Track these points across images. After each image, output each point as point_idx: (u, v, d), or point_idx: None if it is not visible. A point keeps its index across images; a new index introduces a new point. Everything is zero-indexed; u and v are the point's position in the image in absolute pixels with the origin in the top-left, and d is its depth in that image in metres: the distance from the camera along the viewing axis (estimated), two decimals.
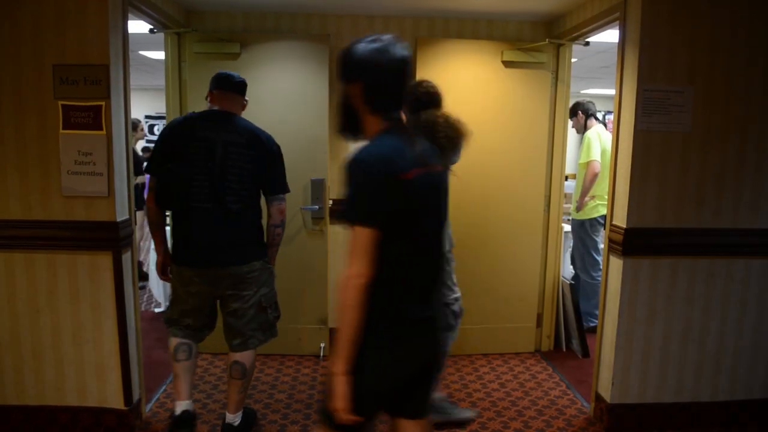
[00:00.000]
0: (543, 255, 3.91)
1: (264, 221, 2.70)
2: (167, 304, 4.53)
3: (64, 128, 2.57)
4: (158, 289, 4.69)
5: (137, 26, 3.24)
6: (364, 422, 1.62)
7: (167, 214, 2.74)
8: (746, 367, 2.97)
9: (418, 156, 1.59)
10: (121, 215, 2.68)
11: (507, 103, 3.68)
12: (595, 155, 4.18)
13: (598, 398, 3.02)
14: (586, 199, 4.24)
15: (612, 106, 3.09)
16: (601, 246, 4.12)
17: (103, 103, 2.56)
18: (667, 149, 2.74)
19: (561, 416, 3.09)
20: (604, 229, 3.11)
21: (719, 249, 2.85)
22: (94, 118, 2.56)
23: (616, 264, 2.86)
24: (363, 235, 1.50)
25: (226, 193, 2.50)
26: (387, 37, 1.60)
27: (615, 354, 2.87)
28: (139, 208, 5.25)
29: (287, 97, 3.59)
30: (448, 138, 2.70)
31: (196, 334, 2.66)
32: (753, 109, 2.76)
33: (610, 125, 4.17)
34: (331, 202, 3.65)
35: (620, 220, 2.83)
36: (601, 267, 4.03)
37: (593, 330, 3.62)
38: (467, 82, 3.67)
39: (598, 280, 4.23)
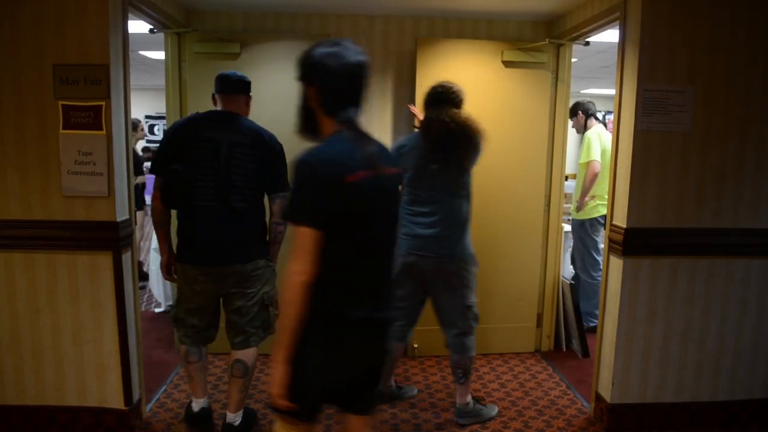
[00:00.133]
0: (543, 255, 3.91)
1: (267, 219, 2.72)
2: (168, 303, 4.59)
3: (64, 128, 2.57)
4: (158, 289, 4.69)
5: (137, 26, 3.24)
6: (306, 411, 1.71)
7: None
8: (746, 367, 2.97)
9: (367, 158, 1.62)
10: (121, 215, 2.68)
11: (507, 103, 3.67)
12: (595, 155, 4.18)
13: (598, 398, 3.02)
14: (587, 199, 4.24)
15: (612, 106, 3.09)
16: (601, 246, 4.12)
17: (103, 103, 2.56)
18: (667, 149, 2.74)
19: (561, 416, 3.09)
20: (604, 229, 3.11)
21: (719, 249, 2.85)
22: (94, 118, 2.56)
23: (616, 264, 2.86)
24: (304, 234, 1.56)
25: (231, 193, 2.53)
26: (344, 42, 1.67)
27: (615, 354, 2.87)
28: (139, 208, 5.27)
29: (287, 97, 3.53)
30: (442, 136, 2.72)
31: (202, 335, 2.69)
32: (753, 109, 2.76)
33: (610, 125, 4.17)
34: None
35: (620, 220, 2.83)
36: (601, 267, 4.03)
37: (593, 330, 3.62)
38: (467, 82, 3.63)
39: (598, 280, 4.23)
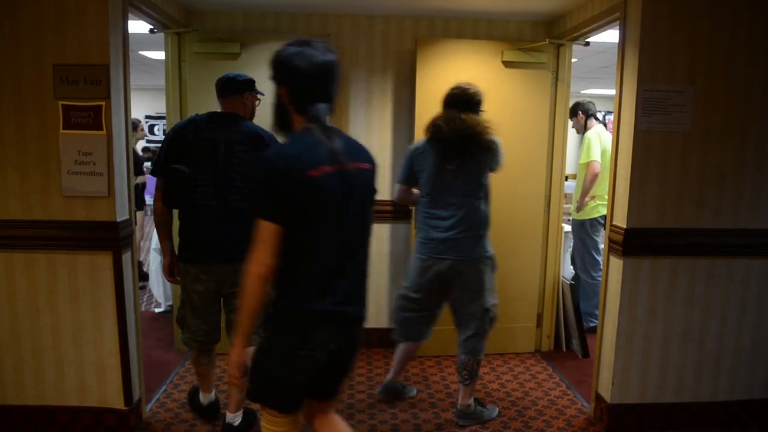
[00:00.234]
0: (543, 255, 3.91)
1: None
2: (168, 304, 4.59)
3: (64, 128, 2.57)
4: (158, 289, 4.69)
5: (137, 26, 3.24)
6: (287, 404, 1.79)
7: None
8: (746, 367, 2.97)
9: (332, 154, 1.66)
10: (121, 215, 2.68)
11: (507, 103, 3.67)
12: (595, 155, 4.18)
13: (598, 398, 3.02)
14: (587, 199, 4.24)
15: (612, 106, 3.09)
16: (602, 246, 4.12)
17: (103, 103, 2.56)
18: (667, 149, 2.74)
19: (561, 416, 3.09)
20: (605, 229, 3.11)
21: (719, 249, 2.85)
22: (94, 118, 2.56)
23: (616, 264, 2.86)
24: (264, 227, 1.62)
25: (231, 192, 2.54)
26: (314, 41, 1.70)
27: (615, 354, 2.87)
28: (139, 208, 5.26)
29: None
30: (443, 140, 2.74)
31: (208, 338, 2.72)
32: (753, 109, 2.76)
33: (610, 125, 4.17)
34: None
35: (620, 220, 2.83)
36: (601, 267, 4.03)
37: (593, 330, 3.62)
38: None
39: (598, 280, 4.23)
